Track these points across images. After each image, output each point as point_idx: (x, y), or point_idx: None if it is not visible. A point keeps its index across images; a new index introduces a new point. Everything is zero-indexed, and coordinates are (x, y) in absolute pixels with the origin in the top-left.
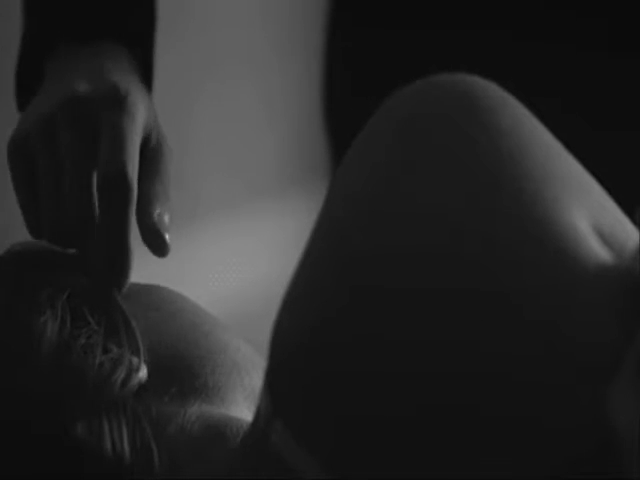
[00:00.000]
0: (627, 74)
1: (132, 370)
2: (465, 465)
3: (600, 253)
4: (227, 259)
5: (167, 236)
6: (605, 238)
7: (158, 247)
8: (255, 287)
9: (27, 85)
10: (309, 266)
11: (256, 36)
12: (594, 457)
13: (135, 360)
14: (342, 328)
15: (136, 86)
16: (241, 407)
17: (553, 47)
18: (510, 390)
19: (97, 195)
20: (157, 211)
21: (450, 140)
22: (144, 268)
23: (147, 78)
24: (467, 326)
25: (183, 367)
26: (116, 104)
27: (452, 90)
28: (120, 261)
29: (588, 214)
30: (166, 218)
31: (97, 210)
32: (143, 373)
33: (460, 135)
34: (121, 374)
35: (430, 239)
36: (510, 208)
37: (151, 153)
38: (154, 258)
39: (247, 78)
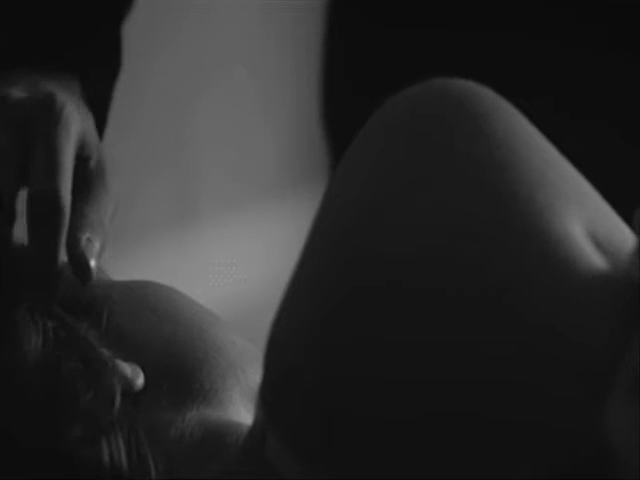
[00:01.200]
0: (627, 74)
1: (129, 380)
2: (462, 469)
3: (594, 259)
4: (227, 259)
5: (93, 263)
6: (600, 243)
7: (82, 274)
8: (255, 287)
9: None
10: (305, 271)
11: (256, 36)
12: (591, 462)
13: (132, 367)
14: (341, 330)
15: (76, 102)
16: (238, 406)
17: (553, 47)
18: (508, 394)
19: (27, 214)
20: (86, 236)
21: (445, 145)
22: (144, 268)
23: (100, 114)
24: (465, 330)
25: (179, 371)
26: (50, 115)
27: (447, 95)
28: (46, 284)
29: (583, 219)
30: (97, 244)
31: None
32: (140, 380)
33: (454, 140)
34: (118, 385)
35: (427, 242)
36: (504, 214)
37: (89, 174)
38: (154, 258)
39: (247, 78)
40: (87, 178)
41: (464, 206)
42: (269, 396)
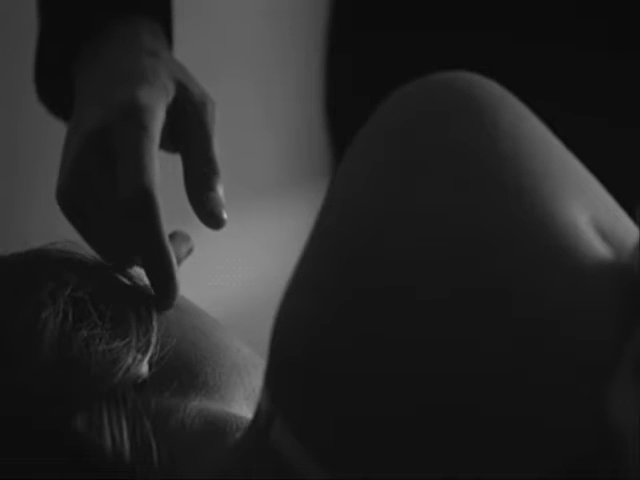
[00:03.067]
0: (627, 74)
1: (133, 362)
2: (465, 465)
3: (600, 250)
4: (227, 259)
5: (225, 215)
6: (605, 235)
7: (216, 225)
8: (255, 287)
9: (51, 84)
10: (308, 266)
11: (257, 36)
12: (594, 456)
13: (138, 355)
14: (343, 326)
15: (152, 79)
16: (241, 405)
17: (553, 47)
18: (510, 389)
19: (123, 218)
20: (207, 188)
21: (449, 139)
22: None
23: (170, 41)
24: (466, 325)
25: (184, 366)
26: (129, 121)
27: (451, 88)
28: (164, 278)
29: (587, 211)
30: (219, 191)
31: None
32: (144, 367)
33: (459, 134)
34: (122, 365)
35: (430, 239)
36: (509, 206)
37: (188, 123)
38: None
39: (247, 78)
40: (187, 128)
41: (467, 201)
42: (275, 382)
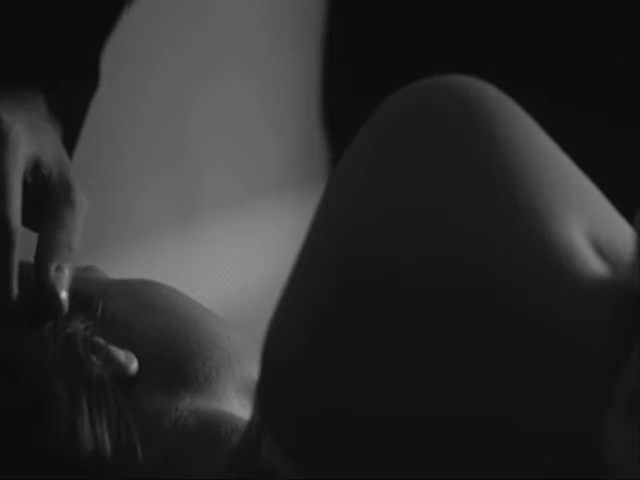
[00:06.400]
0: (627, 74)
1: (122, 365)
2: (459, 472)
3: (595, 265)
4: (227, 259)
5: (64, 295)
6: (602, 248)
7: (52, 307)
8: (254, 287)
9: None
10: (303, 271)
11: (256, 35)
12: (589, 462)
13: (126, 353)
14: (333, 335)
15: (28, 122)
16: (232, 399)
17: (553, 47)
18: (507, 397)
19: None
20: (54, 265)
21: (444, 144)
22: (143, 267)
23: (70, 129)
24: (464, 332)
25: (173, 363)
26: None
27: (448, 92)
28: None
29: (584, 224)
30: (66, 272)
31: None
32: (134, 366)
33: (455, 139)
34: (112, 366)
35: (425, 244)
36: (504, 219)
37: (51, 193)
38: (154, 257)
39: (247, 78)
40: (49, 197)
41: (463, 209)
42: (265, 396)
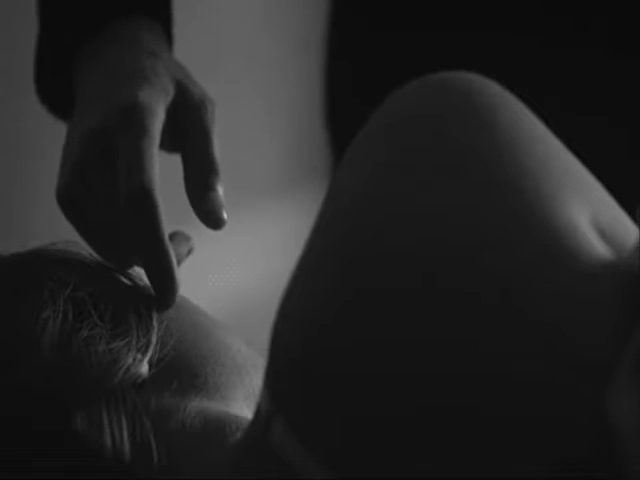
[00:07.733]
0: (627, 74)
1: (133, 362)
2: (465, 464)
3: (600, 250)
4: (227, 259)
5: (224, 215)
6: (605, 235)
7: (216, 225)
8: (255, 287)
9: (51, 84)
10: (308, 266)
11: (257, 36)
12: (594, 456)
13: (138, 355)
14: (342, 326)
15: (152, 79)
16: (241, 405)
17: (553, 47)
18: (510, 389)
19: (123, 216)
20: (207, 188)
21: (449, 139)
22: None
23: (170, 41)
24: (467, 325)
25: (184, 366)
26: (129, 121)
27: (450, 88)
28: (163, 278)
29: (587, 211)
30: (219, 190)
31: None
32: (144, 367)
33: (459, 134)
34: (122, 365)
35: (430, 239)
36: (509, 207)
37: (188, 123)
38: None
39: (248, 78)
40: (187, 129)
41: (467, 201)
42: (275, 382)
